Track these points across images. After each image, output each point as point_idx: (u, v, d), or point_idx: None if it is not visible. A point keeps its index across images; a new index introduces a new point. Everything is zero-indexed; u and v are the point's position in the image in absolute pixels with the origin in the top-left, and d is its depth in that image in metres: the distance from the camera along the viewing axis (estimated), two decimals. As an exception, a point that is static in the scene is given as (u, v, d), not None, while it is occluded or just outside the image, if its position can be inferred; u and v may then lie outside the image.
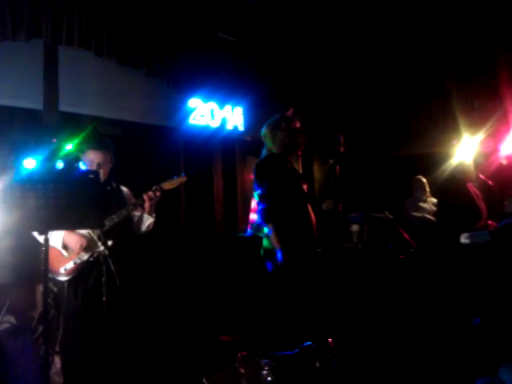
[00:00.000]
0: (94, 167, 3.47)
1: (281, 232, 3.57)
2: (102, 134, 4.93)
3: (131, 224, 3.63)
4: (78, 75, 5.14)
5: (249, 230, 5.67)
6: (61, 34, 4.83)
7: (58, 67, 4.98)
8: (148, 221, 3.65)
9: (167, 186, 3.58)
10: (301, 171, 7.04)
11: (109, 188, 3.60)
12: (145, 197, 3.51)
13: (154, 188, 3.54)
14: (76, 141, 3.90)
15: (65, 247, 3.38)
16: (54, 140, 4.44)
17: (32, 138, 4.63)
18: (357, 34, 6.94)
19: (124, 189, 3.75)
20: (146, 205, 3.51)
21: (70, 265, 3.33)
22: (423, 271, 4.18)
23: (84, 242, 3.34)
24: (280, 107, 6.16)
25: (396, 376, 3.09)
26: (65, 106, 4.97)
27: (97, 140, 3.68)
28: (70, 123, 4.99)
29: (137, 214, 3.61)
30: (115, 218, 3.43)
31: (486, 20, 6.39)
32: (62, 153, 4.24)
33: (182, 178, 3.64)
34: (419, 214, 6.12)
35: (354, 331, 3.76)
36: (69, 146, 3.82)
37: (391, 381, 3.02)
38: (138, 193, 3.63)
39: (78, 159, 3.64)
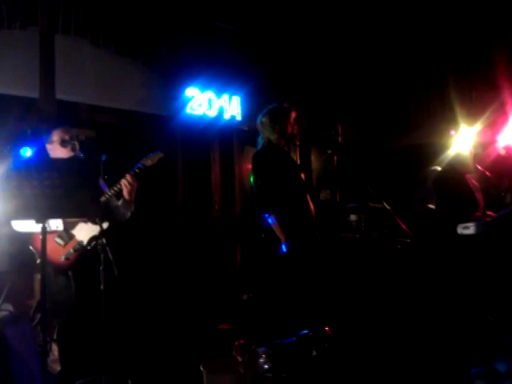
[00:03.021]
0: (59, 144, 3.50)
1: (281, 222, 3.58)
2: (98, 123, 4.93)
3: (114, 210, 3.63)
4: (74, 64, 5.12)
5: (248, 219, 5.67)
6: (57, 23, 4.80)
7: (54, 56, 4.95)
8: (126, 209, 3.64)
9: (148, 162, 3.58)
10: (299, 161, 7.03)
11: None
12: (122, 183, 3.49)
13: (137, 165, 3.53)
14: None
15: (66, 230, 3.38)
16: (52, 128, 4.42)
17: (28, 126, 4.62)
18: (355, 23, 6.91)
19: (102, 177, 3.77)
20: (126, 194, 3.49)
21: (70, 252, 3.33)
22: (420, 261, 4.19)
23: (87, 225, 3.35)
24: (278, 97, 6.16)
25: (392, 365, 3.11)
26: (61, 95, 4.94)
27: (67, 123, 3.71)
28: (67, 111, 4.98)
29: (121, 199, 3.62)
30: (103, 206, 3.43)
31: (484, 11, 6.38)
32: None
33: (159, 154, 3.66)
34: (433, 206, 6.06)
35: (351, 320, 3.78)
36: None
37: (387, 370, 3.04)
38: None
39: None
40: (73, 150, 3.66)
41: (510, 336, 2.21)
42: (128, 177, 3.46)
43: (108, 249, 3.09)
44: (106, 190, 3.69)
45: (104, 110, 5.35)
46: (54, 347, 3.60)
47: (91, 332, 3.18)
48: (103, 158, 3.84)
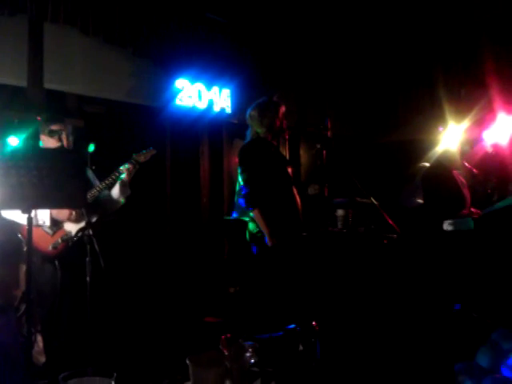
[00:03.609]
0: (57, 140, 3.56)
1: (266, 216, 3.59)
2: (86, 113, 4.88)
3: (106, 201, 3.64)
4: (63, 52, 5.06)
5: (234, 213, 5.67)
6: (46, 11, 4.74)
7: (43, 44, 4.89)
8: (123, 195, 3.67)
9: (141, 157, 3.63)
10: (287, 155, 7.03)
11: None
12: (123, 169, 3.53)
13: (130, 160, 3.58)
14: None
15: (54, 222, 3.37)
16: (39, 118, 4.38)
17: (16, 115, 4.56)
18: (347, 19, 6.91)
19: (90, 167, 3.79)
20: (126, 178, 3.55)
21: (58, 242, 3.32)
22: (406, 256, 4.22)
23: (73, 213, 3.34)
24: (268, 91, 6.15)
25: (377, 360, 3.14)
26: (49, 84, 4.89)
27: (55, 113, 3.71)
28: (55, 101, 4.93)
29: (113, 190, 3.63)
30: (88, 197, 3.43)
31: (472, 10, 6.42)
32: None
33: (152, 151, 3.72)
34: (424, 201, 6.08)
35: (338, 315, 3.80)
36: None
37: (373, 364, 3.07)
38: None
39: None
40: (60, 140, 3.64)
41: (493, 331, 2.24)
42: (130, 165, 3.57)
43: (94, 240, 3.09)
44: (95, 180, 3.69)
45: (92, 100, 5.29)
46: (39, 338, 3.59)
47: (76, 323, 3.17)
48: (91, 148, 3.84)
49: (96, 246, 3.06)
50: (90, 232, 3.11)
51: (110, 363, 2.83)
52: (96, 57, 5.29)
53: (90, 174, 3.85)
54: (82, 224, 3.27)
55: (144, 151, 3.72)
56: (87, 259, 2.94)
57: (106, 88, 5.37)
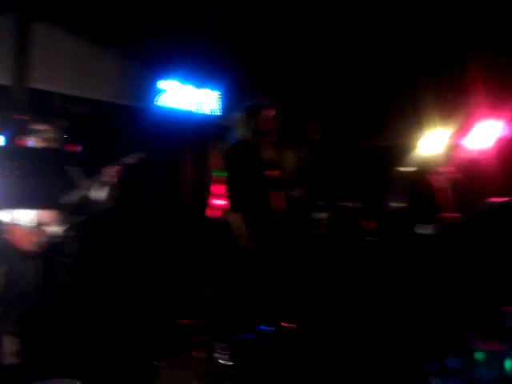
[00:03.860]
0: (45, 141, 3.47)
1: (245, 219, 3.62)
2: (72, 113, 4.88)
3: (93, 202, 3.63)
4: (49, 52, 5.06)
5: (217, 214, 5.70)
6: (34, 10, 4.74)
7: (30, 43, 4.89)
8: (110, 196, 3.66)
9: (130, 160, 3.61)
10: (273, 158, 7.05)
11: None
12: (110, 171, 3.52)
13: (119, 162, 3.56)
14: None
15: (38, 223, 3.36)
16: (23, 117, 4.38)
17: (0, 114, 4.56)
18: (332, 25, 6.94)
19: (73, 168, 3.77)
20: (114, 180, 3.53)
21: (42, 242, 3.32)
22: (387, 259, 4.27)
23: (59, 215, 3.34)
24: (255, 94, 6.17)
25: (350, 360, 3.17)
26: (34, 83, 4.89)
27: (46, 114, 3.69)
28: (41, 100, 4.92)
29: (100, 191, 3.62)
30: (74, 198, 3.43)
31: (458, 15, 6.48)
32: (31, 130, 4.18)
33: (141, 155, 3.70)
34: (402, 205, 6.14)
35: (311, 317, 3.83)
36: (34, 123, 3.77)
37: (345, 365, 3.10)
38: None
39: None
40: (47, 140, 3.65)
41: (463, 333, 2.30)
42: (118, 167, 3.50)
43: (74, 241, 3.09)
44: (84, 181, 3.68)
45: (78, 100, 5.29)
46: (8, 340, 3.56)
47: (51, 324, 3.17)
48: (76, 148, 3.83)
49: (75, 247, 3.07)
50: (71, 233, 3.12)
51: (80, 365, 2.84)
52: (82, 57, 5.29)
53: (79, 174, 3.82)
54: (67, 225, 3.28)
55: (134, 154, 3.70)
56: (66, 260, 2.94)
57: (91, 88, 5.38)
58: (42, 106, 4.87)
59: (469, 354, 2.38)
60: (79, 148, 3.89)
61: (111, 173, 3.51)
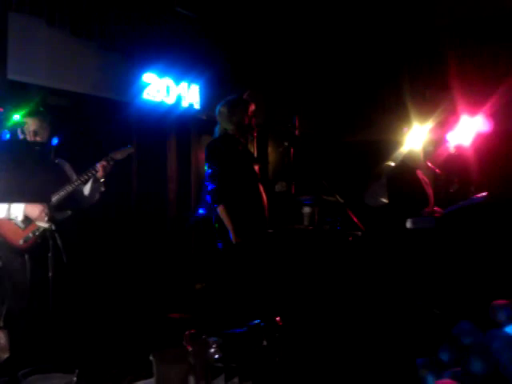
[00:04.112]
0: (31, 135, 3.45)
1: (231, 213, 3.62)
2: (51, 105, 4.78)
3: (80, 197, 3.60)
4: (28, 43, 4.93)
5: (202, 209, 5.67)
6: (11, 1, 4.62)
7: (7, 34, 4.77)
8: (97, 192, 3.64)
9: (117, 155, 3.59)
10: (255, 153, 7.05)
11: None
12: (99, 166, 3.48)
13: (107, 158, 3.52)
14: (22, 110, 3.80)
15: (26, 218, 3.30)
16: (1, 109, 4.28)
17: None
18: (315, 20, 6.96)
19: (64, 162, 3.72)
20: (100, 174, 3.49)
21: (29, 236, 3.26)
22: (370, 254, 4.29)
23: (47, 210, 3.27)
24: (237, 88, 6.15)
25: (341, 355, 3.18)
26: (13, 75, 4.77)
27: (31, 107, 3.63)
28: (18, 92, 4.80)
29: (86, 186, 3.59)
30: (62, 193, 3.38)
31: (437, 12, 6.57)
32: (9, 123, 4.09)
33: (130, 149, 3.67)
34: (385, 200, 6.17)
35: (302, 311, 3.84)
36: (16, 116, 3.69)
37: (336, 360, 3.11)
38: (85, 167, 3.56)
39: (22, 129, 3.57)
40: (23, 132, 3.58)
41: (453, 327, 2.31)
42: (105, 162, 3.48)
43: (57, 235, 3.05)
44: (73, 175, 3.63)
45: (57, 93, 5.18)
46: (1, 334, 3.52)
47: (42, 318, 3.12)
48: (55, 141, 3.76)
49: (59, 242, 3.02)
50: (53, 227, 3.08)
51: (73, 359, 2.80)
52: (62, 49, 5.18)
53: (68, 168, 3.78)
54: (53, 219, 3.22)
55: (122, 149, 3.66)
56: (49, 254, 2.90)
57: (71, 80, 5.27)
58: (20, 98, 4.76)
59: (461, 347, 2.38)
60: (60, 141, 3.83)
61: (98, 168, 3.48)
